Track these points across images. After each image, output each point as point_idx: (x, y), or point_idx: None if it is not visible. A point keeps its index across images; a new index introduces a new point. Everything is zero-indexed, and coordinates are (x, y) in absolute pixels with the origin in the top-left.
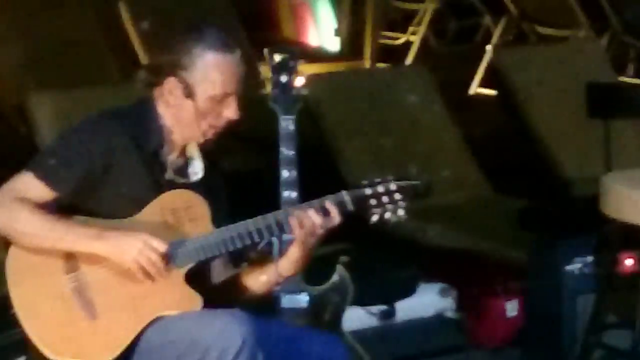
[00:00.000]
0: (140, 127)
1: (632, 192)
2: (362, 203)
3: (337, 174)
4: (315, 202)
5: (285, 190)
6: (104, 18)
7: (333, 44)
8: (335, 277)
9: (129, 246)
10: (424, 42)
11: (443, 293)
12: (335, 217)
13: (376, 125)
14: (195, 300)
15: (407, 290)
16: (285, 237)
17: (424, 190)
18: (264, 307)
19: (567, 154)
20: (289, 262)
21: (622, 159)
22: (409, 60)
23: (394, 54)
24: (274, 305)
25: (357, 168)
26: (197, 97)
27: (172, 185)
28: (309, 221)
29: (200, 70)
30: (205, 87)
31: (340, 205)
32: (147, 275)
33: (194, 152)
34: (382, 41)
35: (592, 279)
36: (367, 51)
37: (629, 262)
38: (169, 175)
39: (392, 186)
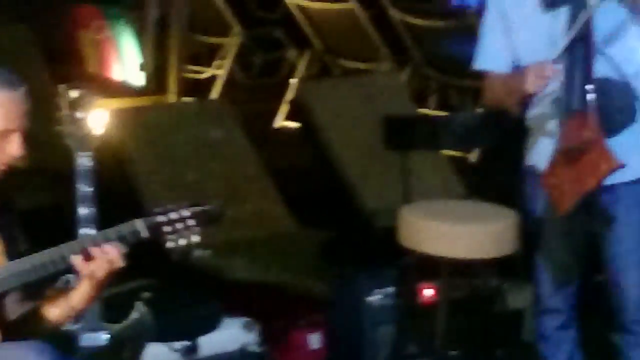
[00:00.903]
0: None
1: (428, 223)
2: (155, 230)
3: (140, 209)
4: (109, 231)
5: (83, 227)
6: None
7: (138, 79)
8: (134, 314)
9: None
10: (230, 75)
11: (247, 327)
12: (123, 248)
13: (180, 159)
14: None
15: (210, 325)
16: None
17: (217, 216)
18: (63, 345)
19: (368, 186)
20: (79, 295)
21: (420, 190)
22: (214, 94)
23: (200, 88)
24: (73, 344)
25: (160, 203)
26: None
27: None
28: (98, 252)
29: None
30: None
31: (134, 234)
32: None
33: None
34: (188, 75)
35: (392, 310)
36: (172, 85)
37: (428, 292)
38: None
39: (185, 212)
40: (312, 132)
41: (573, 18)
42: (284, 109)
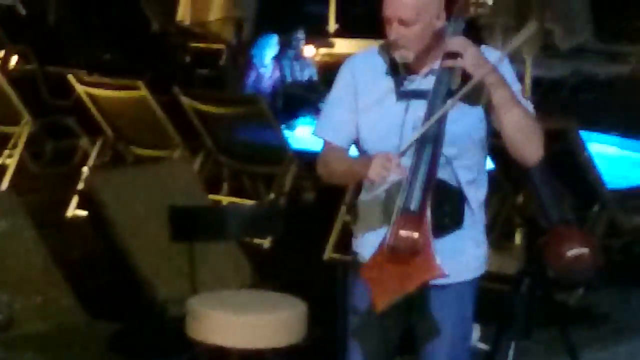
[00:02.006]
0: None
1: (215, 313)
2: None
3: None
4: None
5: None
6: None
7: None
8: None
9: None
10: (21, 164)
11: None
12: None
13: None
14: None
15: None
16: None
17: (5, 324)
18: None
19: (159, 276)
20: None
21: (211, 279)
22: (4, 184)
23: None
24: None
25: None
26: None
27: None
28: None
29: None
30: None
31: None
32: None
33: None
34: None
35: None
36: None
37: None
38: None
39: None
40: (102, 222)
41: (427, 116)
42: (75, 198)
